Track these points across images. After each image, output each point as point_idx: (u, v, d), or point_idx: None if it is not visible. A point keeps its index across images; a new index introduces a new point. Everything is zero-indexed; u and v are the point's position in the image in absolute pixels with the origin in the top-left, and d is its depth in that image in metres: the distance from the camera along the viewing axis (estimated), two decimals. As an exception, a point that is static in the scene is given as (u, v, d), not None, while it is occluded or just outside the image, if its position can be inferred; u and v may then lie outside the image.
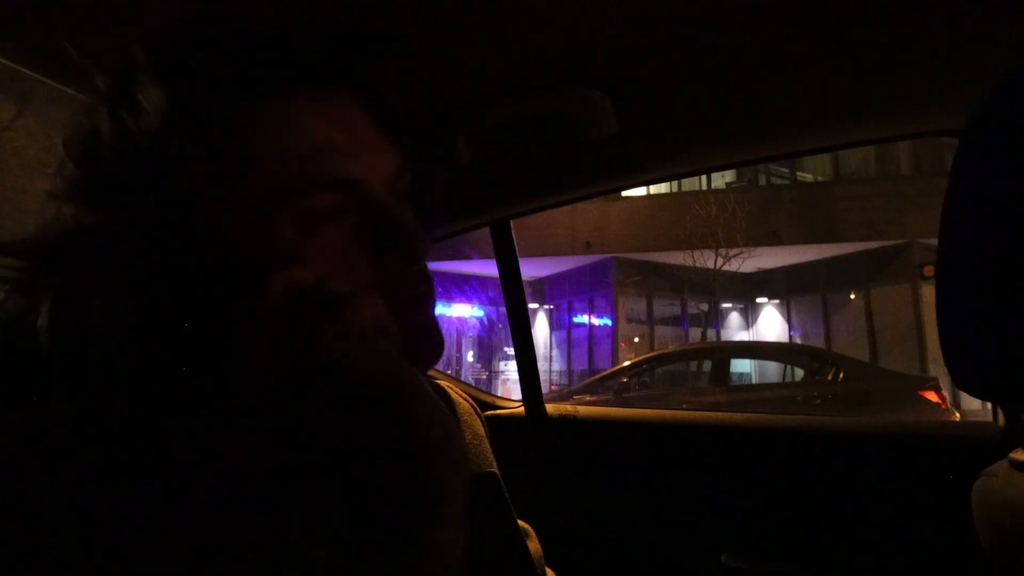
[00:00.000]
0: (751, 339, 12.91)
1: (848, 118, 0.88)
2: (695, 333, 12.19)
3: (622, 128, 0.90)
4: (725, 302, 13.13)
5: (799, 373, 6.57)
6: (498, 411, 1.45)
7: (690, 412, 1.38)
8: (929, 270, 9.69)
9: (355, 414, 0.33)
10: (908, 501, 1.00)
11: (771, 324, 12.73)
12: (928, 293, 9.96)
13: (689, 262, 10.56)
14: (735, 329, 13.26)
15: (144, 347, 0.38)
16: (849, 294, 11.04)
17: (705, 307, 12.34)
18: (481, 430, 0.67)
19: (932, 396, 4.91)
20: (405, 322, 0.40)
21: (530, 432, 1.39)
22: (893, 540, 1.00)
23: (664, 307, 12.35)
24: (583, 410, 1.42)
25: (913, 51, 0.73)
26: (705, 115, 0.91)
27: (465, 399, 0.69)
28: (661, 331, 12.18)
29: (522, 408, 1.43)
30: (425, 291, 0.45)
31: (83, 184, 0.40)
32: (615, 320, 11.60)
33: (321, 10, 0.44)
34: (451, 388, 0.69)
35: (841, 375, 5.67)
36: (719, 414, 1.27)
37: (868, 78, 0.79)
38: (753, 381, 7.78)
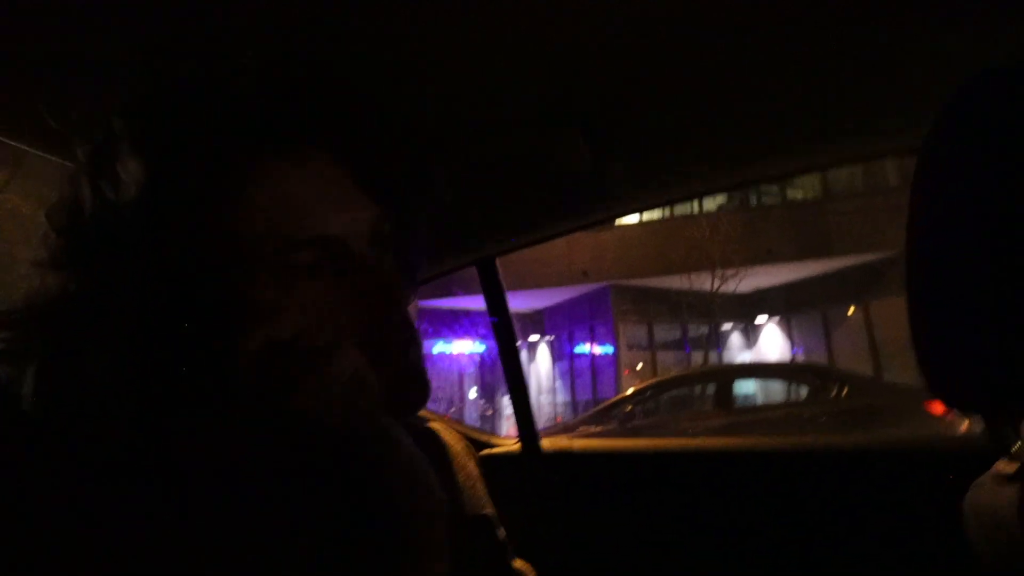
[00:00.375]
0: (753, 359, 12.86)
1: (830, 136, 0.89)
2: (698, 357, 12.13)
3: (597, 163, 0.91)
4: (725, 323, 13.11)
5: (804, 391, 6.52)
6: (493, 450, 1.45)
7: (688, 440, 1.37)
8: (925, 280, 9.76)
9: (326, 462, 0.33)
10: (911, 517, 0.99)
11: (772, 343, 12.68)
12: (927, 303, 9.99)
13: (686, 286, 10.60)
14: (737, 350, 13.20)
15: (129, 403, 0.39)
16: (847, 308, 11.04)
17: (703, 330, 12.32)
18: (475, 471, 0.67)
19: (938, 408, 4.86)
20: (388, 369, 0.40)
21: (526, 469, 1.38)
22: (900, 556, 0.99)
23: (665, 332, 12.32)
24: (578, 443, 1.40)
25: (887, 69, 0.74)
26: (680, 144, 0.92)
27: (459, 440, 0.69)
28: (663, 356, 12.12)
29: (518, 445, 1.43)
30: (407, 337, 0.46)
31: (66, 253, 0.41)
32: (616, 348, 11.56)
33: (292, 68, 0.45)
34: (444, 429, 0.68)
35: (845, 391, 5.62)
36: (720, 440, 1.26)
37: (847, 96, 0.79)
38: (758, 402, 7.70)
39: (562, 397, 13.13)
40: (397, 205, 0.48)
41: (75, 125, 0.52)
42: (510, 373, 1.41)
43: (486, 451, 1.46)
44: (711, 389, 6.53)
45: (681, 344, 12.25)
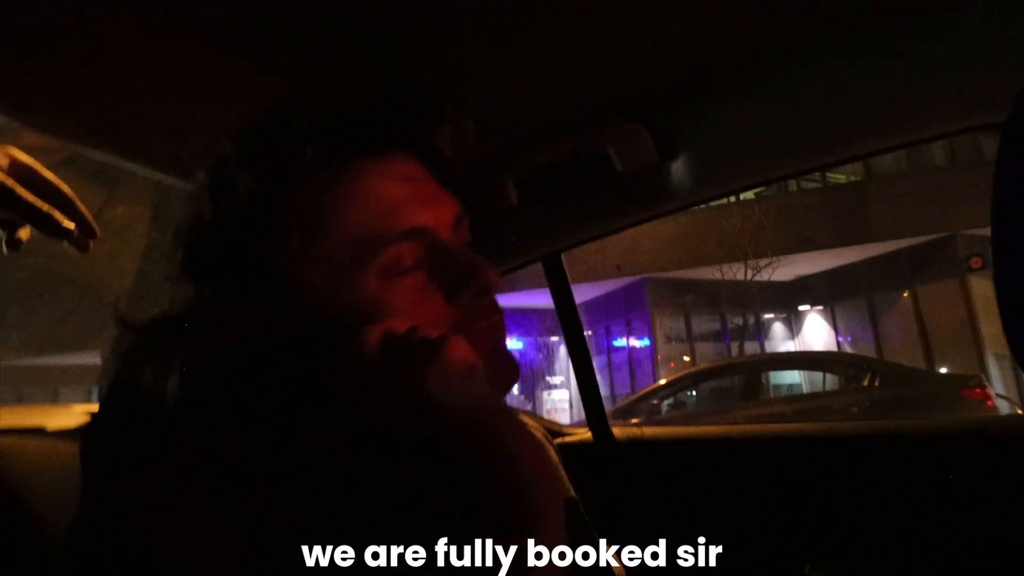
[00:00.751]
0: (797, 349, 12.55)
1: (888, 122, 0.87)
2: (737, 347, 11.94)
3: (663, 157, 0.93)
4: (767, 312, 12.84)
5: (836, 382, 6.37)
6: (566, 439, 1.45)
7: (760, 426, 1.37)
8: (976, 261, 9.31)
9: (459, 449, 0.35)
10: (992, 505, 0.98)
11: (817, 332, 12.35)
12: (978, 286, 9.54)
13: (720, 276, 10.46)
14: (780, 340, 12.92)
15: (258, 403, 0.42)
16: (894, 294, 10.66)
17: (740, 320, 12.10)
18: (555, 457, 0.69)
19: (976, 395, 4.73)
20: (481, 351, 0.41)
21: (600, 457, 1.37)
22: (980, 546, 0.97)
23: (703, 323, 12.17)
24: (650, 431, 1.41)
25: (947, 51, 0.73)
26: (745, 135, 0.94)
27: (537, 427, 0.71)
28: (702, 347, 11.98)
29: (589, 434, 1.43)
30: (497, 320, 0.49)
31: (195, 265, 0.45)
32: (653, 341, 11.51)
33: (376, 83, 0.50)
34: (523, 418, 0.70)
35: (877, 381, 5.50)
36: (797, 426, 1.25)
37: (905, 80, 0.79)
38: (786, 393, 7.53)
39: (602, 391, 13.12)
40: (474, 202, 0.51)
41: (186, 149, 0.67)
42: (578, 365, 1.43)
43: (560, 439, 1.46)
44: (739, 381, 6.50)
45: (720, 335, 12.09)
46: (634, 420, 6.14)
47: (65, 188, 0.65)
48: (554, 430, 1.48)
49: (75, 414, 0.97)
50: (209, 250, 0.44)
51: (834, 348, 11.74)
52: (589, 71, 0.78)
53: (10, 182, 0.60)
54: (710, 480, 1.24)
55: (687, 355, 11.73)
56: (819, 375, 6.87)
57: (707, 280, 11.07)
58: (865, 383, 5.58)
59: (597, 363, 13.67)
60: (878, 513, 1.06)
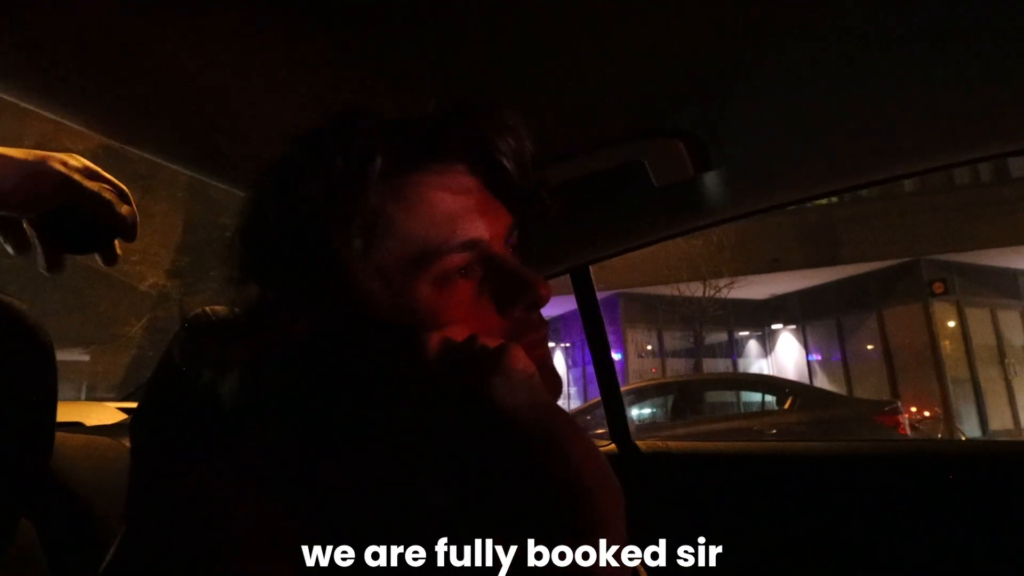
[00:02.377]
0: (770, 366, 12.68)
1: (944, 140, 0.85)
2: (710, 364, 12.08)
3: (698, 170, 0.91)
4: (743, 330, 12.98)
5: (764, 402, 6.50)
6: None
7: (786, 443, 1.38)
8: (939, 287, 9.48)
9: (525, 456, 0.35)
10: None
11: (788, 350, 12.50)
12: (940, 311, 9.70)
13: (679, 294, 10.63)
14: (754, 357, 13.06)
15: (316, 400, 0.43)
16: (862, 316, 10.81)
17: (719, 337, 12.24)
18: None
19: (889, 421, 4.87)
20: (532, 358, 0.41)
21: (625, 469, 1.34)
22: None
23: (676, 339, 12.31)
24: (675, 444, 1.42)
25: (1009, 67, 0.71)
26: (784, 150, 0.92)
27: None
28: (674, 363, 12.12)
29: (612, 446, 1.41)
30: (545, 334, 0.50)
31: (258, 267, 0.46)
32: (625, 355, 11.64)
33: (437, 96, 0.50)
34: None
35: (792, 403, 5.64)
36: (824, 443, 1.25)
37: (966, 95, 0.77)
38: (711, 413, 7.65)
39: (575, 404, 13.27)
40: (522, 215, 0.52)
41: (251, 156, 0.66)
42: (602, 377, 1.42)
43: None
44: (672, 401, 6.61)
45: (693, 351, 12.23)
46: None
47: (118, 183, 0.68)
48: None
49: (111, 410, 0.99)
50: (273, 253, 0.45)
51: (804, 367, 11.89)
52: (624, 80, 0.76)
53: (76, 175, 0.64)
54: (733, 494, 1.23)
55: (656, 369, 11.86)
56: (758, 396, 7.02)
57: (680, 297, 11.22)
58: (787, 405, 5.72)
59: (573, 375, 13.82)
60: (900, 529, 1.05)
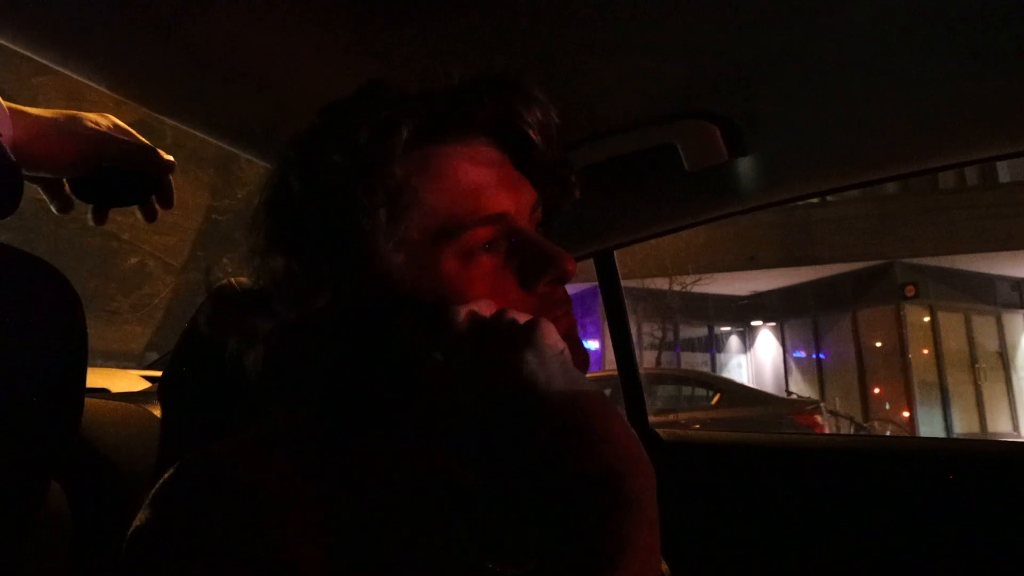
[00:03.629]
0: (749, 362, 12.81)
1: (979, 132, 0.84)
2: (690, 357, 12.21)
3: (732, 155, 0.89)
4: (724, 326, 13.09)
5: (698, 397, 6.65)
6: None
7: (809, 436, 1.38)
8: (910, 290, 9.55)
9: (558, 430, 0.34)
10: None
11: (767, 347, 12.61)
12: (912, 314, 9.77)
13: (678, 288, 10.71)
14: (735, 352, 13.18)
15: (341, 374, 0.43)
16: (837, 316, 10.90)
17: (700, 332, 12.35)
18: None
19: (807, 421, 5.03)
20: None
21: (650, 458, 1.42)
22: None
23: (655, 332, 12.43)
24: (695, 434, 1.48)
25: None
26: (819, 138, 0.90)
27: None
28: (650, 356, 12.25)
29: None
30: (569, 309, 0.48)
31: (283, 239, 0.45)
32: (602, 345, 11.79)
33: (462, 68, 0.50)
34: None
35: (718, 399, 5.81)
36: (846, 437, 1.30)
37: (999, 88, 0.75)
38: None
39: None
40: (547, 190, 0.52)
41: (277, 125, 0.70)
42: (623, 363, 1.42)
43: None
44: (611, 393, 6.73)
45: (672, 345, 12.36)
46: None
47: (146, 142, 0.69)
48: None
49: (135, 378, 0.99)
50: (299, 225, 0.45)
51: (781, 364, 12.01)
52: (657, 60, 0.74)
53: (109, 132, 0.66)
54: (752, 485, 1.21)
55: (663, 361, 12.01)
56: (672, 391, 7.16)
57: (661, 291, 11.31)
58: (714, 401, 5.89)
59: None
60: (919, 524, 1.04)
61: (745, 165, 0.95)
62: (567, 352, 0.39)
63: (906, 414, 9.42)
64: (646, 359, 12.16)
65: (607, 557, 0.31)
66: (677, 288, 10.61)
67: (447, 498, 0.40)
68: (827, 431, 5.08)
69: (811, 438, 1.36)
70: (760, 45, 0.71)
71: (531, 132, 0.49)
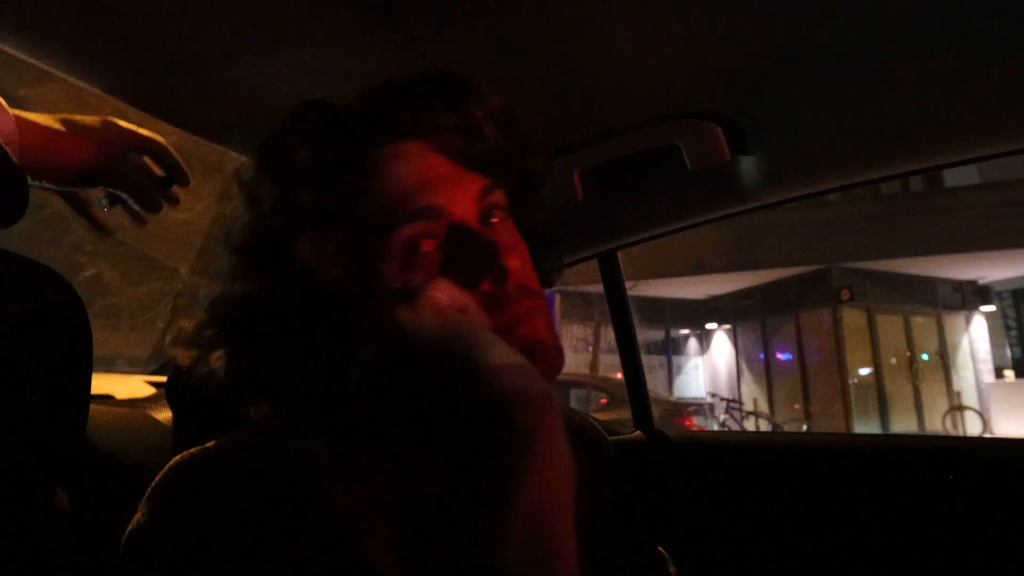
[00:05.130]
0: (705, 364, 13.14)
1: (981, 130, 0.84)
2: (647, 360, 12.50)
3: (735, 154, 0.90)
4: (683, 328, 13.41)
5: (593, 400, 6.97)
6: (621, 437, 1.42)
7: (829, 435, 1.36)
8: (845, 294, 9.87)
9: (438, 373, 0.34)
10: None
11: (722, 349, 12.95)
12: (849, 316, 10.10)
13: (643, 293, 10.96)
14: (692, 355, 13.51)
15: (299, 375, 0.45)
16: (783, 318, 11.23)
17: (658, 335, 12.65)
18: (613, 456, 0.69)
19: (686, 422, 5.36)
20: (512, 341, 0.38)
21: (651, 457, 1.34)
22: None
23: (613, 336, 12.70)
24: (705, 435, 1.48)
25: None
26: (823, 137, 0.90)
27: (595, 424, 0.73)
28: (607, 359, 12.54)
29: (638, 433, 1.40)
30: (528, 309, 0.47)
31: (237, 265, 0.49)
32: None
33: (460, 70, 0.51)
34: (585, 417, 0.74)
35: (605, 402, 6.15)
36: (864, 436, 1.26)
37: (1001, 86, 0.75)
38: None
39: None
40: (509, 179, 0.52)
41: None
42: (628, 364, 1.42)
43: (615, 437, 1.39)
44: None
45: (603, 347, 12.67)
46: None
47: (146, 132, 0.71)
48: (609, 429, 1.42)
49: (140, 384, 0.98)
50: (248, 251, 0.48)
51: (734, 365, 12.34)
52: (659, 60, 0.75)
53: (158, 137, 0.68)
54: (770, 486, 1.19)
55: (588, 365, 12.29)
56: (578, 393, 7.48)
57: (598, 293, 11.52)
58: (603, 402, 6.20)
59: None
60: (934, 523, 1.03)
61: (748, 164, 0.95)
62: (467, 306, 0.39)
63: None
64: (604, 362, 12.47)
65: (499, 491, 0.30)
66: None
67: (424, 486, 0.40)
68: (703, 428, 5.45)
69: (823, 437, 1.31)
70: (762, 44, 0.71)
71: (451, 131, 0.48)
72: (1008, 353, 12.47)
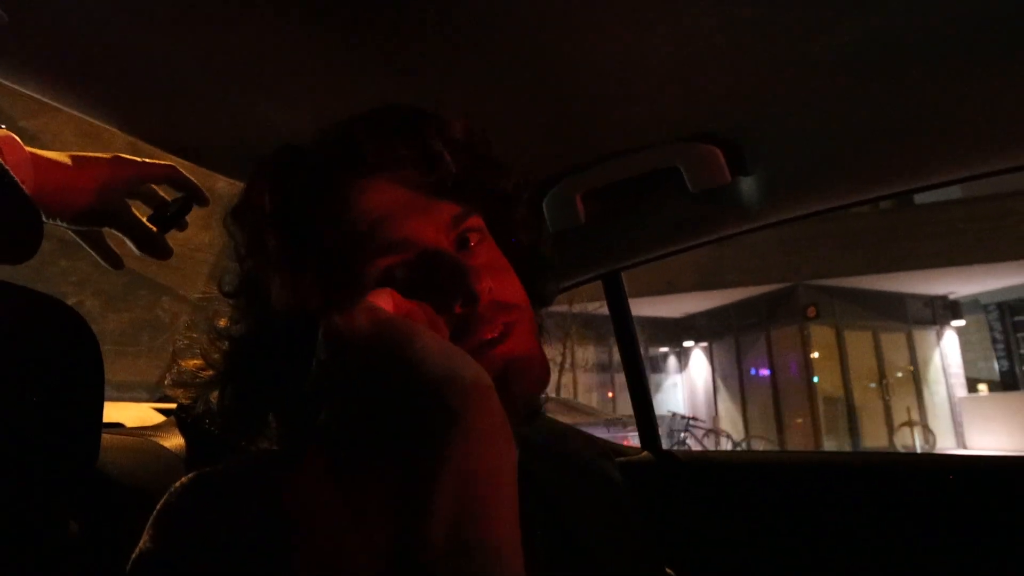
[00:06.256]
0: (684, 381, 13.25)
1: (981, 147, 0.84)
2: (622, 378, 12.59)
3: (735, 174, 0.91)
4: (662, 346, 13.54)
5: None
6: (629, 457, 1.41)
7: (838, 454, 1.34)
8: (812, 311, 10.01)
9: (373, 367, 0.35)
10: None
11: (699, 366, 13.07)
12: (816, 333, 10.22)
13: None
14: (672, 372, 13.61)
15: (288, 408, 0.47)
16: (755, 336, 11.37)
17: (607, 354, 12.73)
18: (619, 477, 0.68)
19: (624, 442, 5.50)
20: (488, 364, 0.39)
21: (659, 476, 1.34)
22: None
23: (589, 354, 12.81)
24: (712, 454, 1.47)
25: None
26: (823, 156, 0.91)
27: (600, 443, 0.73)
28: (584, 378, 12.65)
29: (646, 453, 1.40)
30: (506, 328, 0.47)
31: (229, 306, 0.52)
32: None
33: (458, 93, 0.53)
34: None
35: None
36: (879, 455, 1.24)
37: (1000, 103, 0.76)
38: None
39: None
40: (483, 203, 0.53)
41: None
42: (633, 382, 1.42)
43: (620, 459, 1.40)
44: None
45: (607, 366, 12.79)
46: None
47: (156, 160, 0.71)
48: (615, 449, 1.45)
49: (148, 411, 0.98)
50: (234, 295, 0.52)
51: (711, 382, 12.44)
52: (657, 84, 0.75)
53: (169, 163, 0.69)
54: (782, 507, 1.18)
55: (569, 383, 12.40)
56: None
57: (598, 315, 11.72)
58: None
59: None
60: (930, 548, 1.02)
61: (748, 185, 0.96)
62: (412, 311, 0.39)
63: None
64: (581, 381, 12.58)
65: (427, 464, 0.31)
66: (577, 311, 11.00)
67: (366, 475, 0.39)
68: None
69: (833, 456, 1.33)
70: (759, 65, 0.71)
71: (415, 162, 0.49)
72: (995, 366, 12.49)
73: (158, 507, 0.42)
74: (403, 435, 0.33)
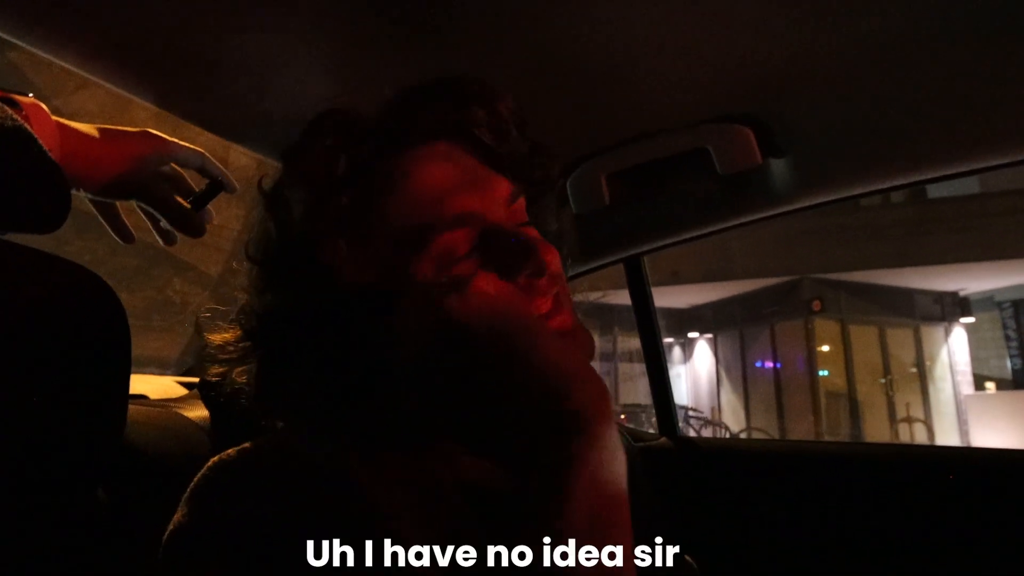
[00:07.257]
0: (688, 372, 13.24)
1: (1017, 134, 0.81)
2: (629, 368, 12.64)
3: (766, 156, 0.89)
4: (667, 337, 13.52)
5: None
6: (648, 443, 1.40)
7: (860, 444, 1.34)
8: (817, 305, 9.94)
9: (490, 363, 0.34)
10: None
11: (703, 358, 13.06)
12: (823, 327, 10.16)
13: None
14: (676, 363, 13.61)
15: (330, 383, 0.45)
16: (759, 328, 11.32)
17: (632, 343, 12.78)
18: (636, 462, 0.67)
19: None
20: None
21: (680, 464, 1.33)
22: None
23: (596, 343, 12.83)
24: (732, 442, 1.42)
25: None
26: (855, 140, 0.88)
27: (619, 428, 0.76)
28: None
29: (664, 439, 1.39)
30: (556, 299, 0.48)
31: (264, 278, 0.49)
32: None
33: (482, 75, 0.51)
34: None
35: None
36: (894, 445, 1.27)
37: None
38: None
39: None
40: (526, 182, 0.52)
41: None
42: (653, 368, 1.41)
43: (640, 444, 1.39)
44: None
45: (610, 356, 12.81)
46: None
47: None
48: (636, 434, 1.44)
49: (172, 384, 0.97)
50: (275, 261, 0.49)
51: (714, 373, 12.43)
52: (687, 64, 0.74)
53: (198, 149, 0.68)
54: (802, 496, 1.17)
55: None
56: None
57: (602, 304, 11.70)
58: None
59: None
60: (937, 540, 1.00)
61: (779, 167, 0.93)
62: (512, 295, 0.39)
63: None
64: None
65: (557, 474, 0.30)
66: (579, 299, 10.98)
67: (460, 495, 0.40)
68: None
69: (854, 446, 1.29)
70: (791, 46, 0.70)
71: (482, 129, 0.49)
72: (1008, 364, 12.33)
73: (194, 482, 0.42)
74: (525, 435, 0.32)
